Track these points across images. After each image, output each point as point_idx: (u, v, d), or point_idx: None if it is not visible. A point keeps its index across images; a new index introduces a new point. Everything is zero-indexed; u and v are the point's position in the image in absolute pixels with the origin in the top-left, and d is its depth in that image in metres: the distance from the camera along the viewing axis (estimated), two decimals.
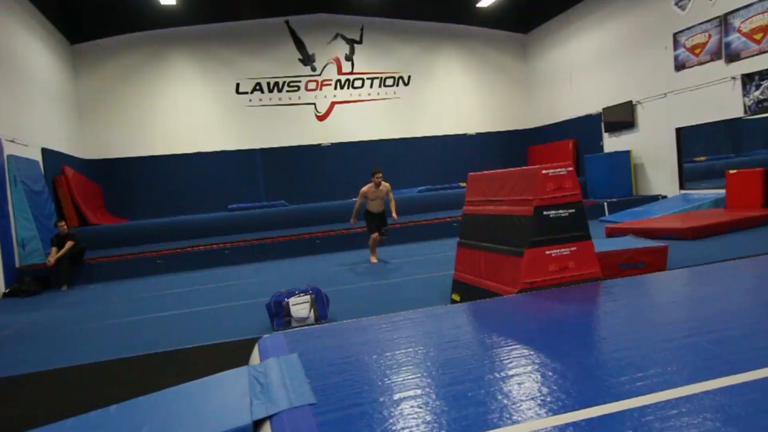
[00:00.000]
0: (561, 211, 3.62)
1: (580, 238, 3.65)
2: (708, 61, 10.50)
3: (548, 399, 1.86)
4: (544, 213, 3.59)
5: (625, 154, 12.34)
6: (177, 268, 9.05)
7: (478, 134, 15.84)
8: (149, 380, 3.16)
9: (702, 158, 12.54)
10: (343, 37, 14.69)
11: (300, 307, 4.26)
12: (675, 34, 11.15)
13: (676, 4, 11.10)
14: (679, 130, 11.38)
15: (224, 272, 8.44)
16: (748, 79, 9.72)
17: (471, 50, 15.75)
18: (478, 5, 14.11)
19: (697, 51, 10.72)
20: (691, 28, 10.78)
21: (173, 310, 5.68)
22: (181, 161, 13.63)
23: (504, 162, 14.14)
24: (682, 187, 11.45)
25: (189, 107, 13.75)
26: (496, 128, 16.04)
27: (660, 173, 11.93)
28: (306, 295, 4.33)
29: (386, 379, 2.19)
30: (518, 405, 1.84)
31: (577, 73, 14.24)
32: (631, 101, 12.38)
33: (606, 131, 13.29)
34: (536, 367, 2.19)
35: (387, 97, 15.15)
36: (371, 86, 14.99)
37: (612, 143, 13.14)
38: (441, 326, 3.05)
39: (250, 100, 14.14)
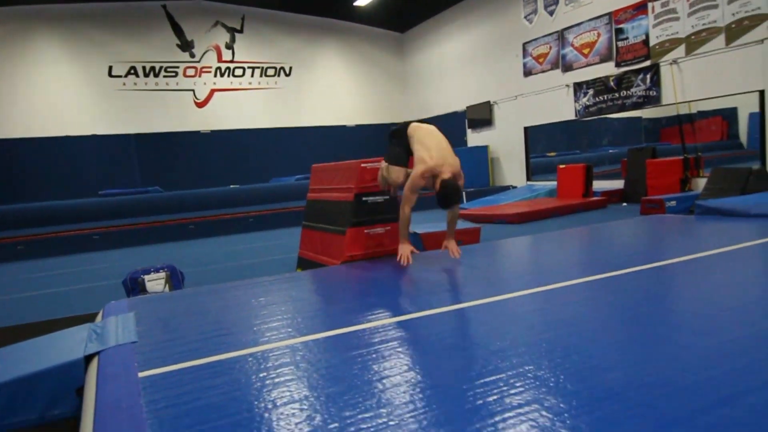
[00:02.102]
0: (377, 198, 4.41)
1: (392, 219, 4.45)
2: (549, 70, 12.04)
3: (342, 317, 2.58)
4: (363, 199, 4.35)
5: (484, 149, 13.75)
6: (41, 254, 8.90)
7: (357, 126, 16.65)
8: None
9: (553, 153, 14.27)
10: (224, 25, 14.79)
11: (155, 282, 4.70)
12: (524, 44, 12.62)
13: (525, 17, 12.55)
14: (526, 129, 12.91)
15: (92, 257, 8.49)
16: (578, 87, 11.33)
17: (351, 45, 16.49)
18: (355, 3, 14.83)
19: (540, 60, 12.24)
20: (536, 40, 12.27)
21: (31, 291, 5.83)
22: (48, 145, 13.06)
23: (381, 153, 15.04)
24: (528, 179, 13.02)
25: (56, 90, 13.19)
26: (374, 121, 16.93)
27: (512, 166, 13.45)
28: (161, 271, 4.78)
29: (204, 325, 2.80)
30: (323, 320, 2.53)
31: (446, 73, 15.48)
32: (489, 101, 13.77)
33: (469, 127, 14.65)
34: (344, 304, 2.92)
35: (268, 87, 15.48)
36: (252, 75, 15.24)
37: (474, 138, 14.52)
38: (269, 289, 3.69)
39: (124, 84, 13.84)
